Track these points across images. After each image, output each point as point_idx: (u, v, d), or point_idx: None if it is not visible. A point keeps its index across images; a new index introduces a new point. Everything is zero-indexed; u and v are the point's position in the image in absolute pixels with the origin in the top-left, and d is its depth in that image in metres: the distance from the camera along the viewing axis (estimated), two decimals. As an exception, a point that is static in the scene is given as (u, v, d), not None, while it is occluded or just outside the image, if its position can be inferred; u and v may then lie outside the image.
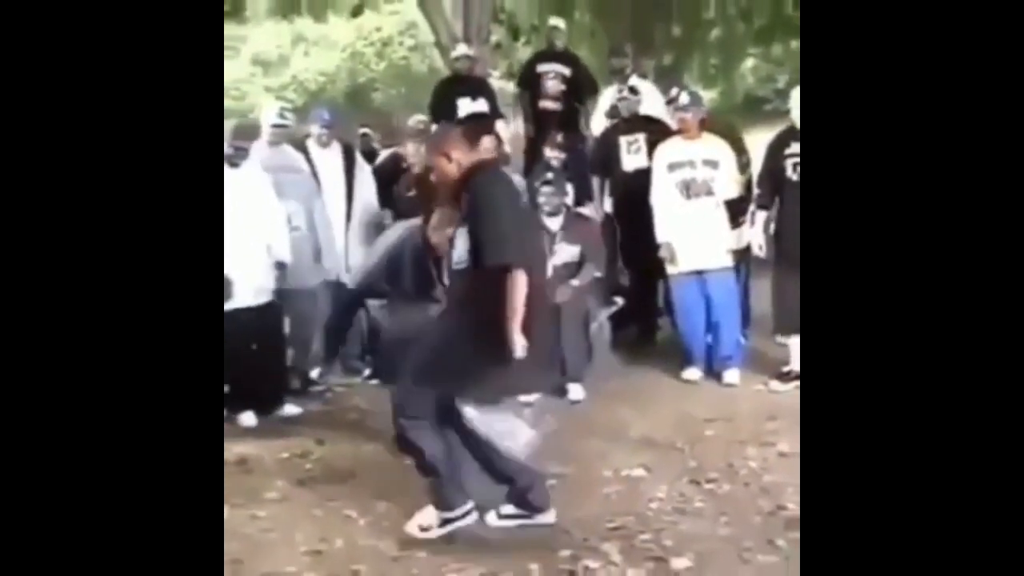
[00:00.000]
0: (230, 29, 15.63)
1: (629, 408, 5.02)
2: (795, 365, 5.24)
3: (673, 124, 5.80)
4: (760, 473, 4.01)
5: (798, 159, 5.09)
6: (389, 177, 6.17)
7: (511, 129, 7.45)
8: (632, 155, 6.02)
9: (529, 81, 7.49)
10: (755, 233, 5.44)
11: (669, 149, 5.57)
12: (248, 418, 5.04)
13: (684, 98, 5.49)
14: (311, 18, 14.91)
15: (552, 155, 6.09)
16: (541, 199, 5.38)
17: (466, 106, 6.97)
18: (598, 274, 5.46)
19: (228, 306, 4.71)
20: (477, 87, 7.26)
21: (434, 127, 6.33)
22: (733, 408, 4.97)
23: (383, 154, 6.93)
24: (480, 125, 5.99)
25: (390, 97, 18.00)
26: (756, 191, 5.54)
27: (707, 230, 5.43)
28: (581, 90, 7.33)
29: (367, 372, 5.91)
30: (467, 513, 3.43)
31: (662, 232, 5.49)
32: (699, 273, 5.47)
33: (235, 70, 18.33)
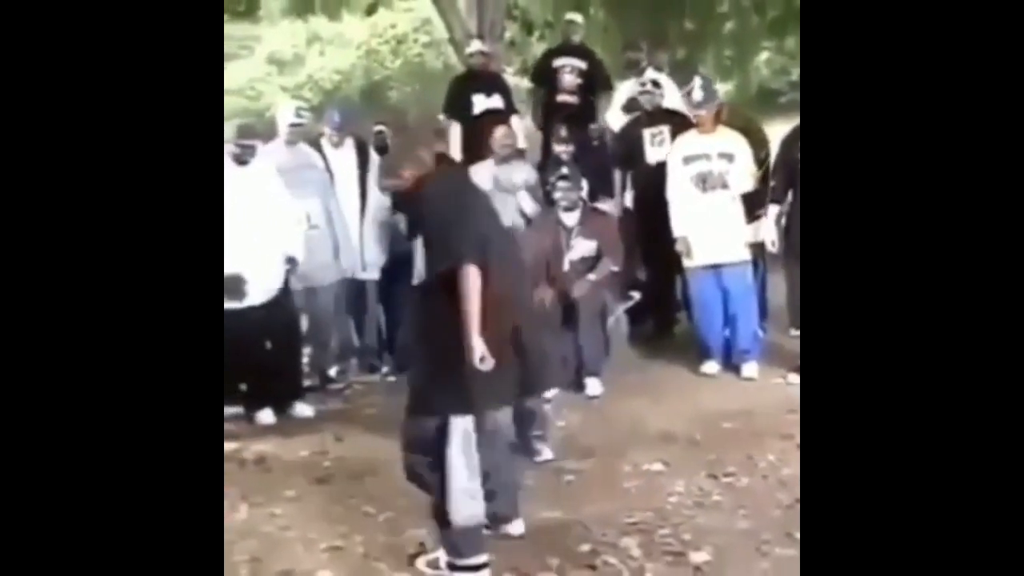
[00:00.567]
0: (244, 29, 15.75)
1: (647, 402, 5.01)
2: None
3: (692, 116, 5.77)
4: (778, 466, 3.99)
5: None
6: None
7: (526, 124, 7.42)
8: (656, 147, 5.98)
9: (544, 76, 7.46)
10: (767, 227, 5.42)
11: (684, 142, 5.55)
12: (266, 416, 5.06)
13: (697, 93, 5.45)
14: (325, 17, 14.92)
15: (560, 149, 6.07)
16: (558, 194, 5.36)
17: (481, 102, 6.95)
18: (615, 268, 5.44)
19: (242, 304, 4.74)
20: (492, 83, 7.23)
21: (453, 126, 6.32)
22: (751, 401, 4.94)
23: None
24: (494, 120, 5.96)
25: (405, 94, 17.98)
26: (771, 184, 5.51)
27: (723, 223, 5.40)
28: (596, 84, 7.31)
29: (385, 369, 5.93)
30: (480, 567, 3.15)
31: (678, 226, 5.47)
32: (716, 267, 5.44)
33: (250, 70, 18.40)
